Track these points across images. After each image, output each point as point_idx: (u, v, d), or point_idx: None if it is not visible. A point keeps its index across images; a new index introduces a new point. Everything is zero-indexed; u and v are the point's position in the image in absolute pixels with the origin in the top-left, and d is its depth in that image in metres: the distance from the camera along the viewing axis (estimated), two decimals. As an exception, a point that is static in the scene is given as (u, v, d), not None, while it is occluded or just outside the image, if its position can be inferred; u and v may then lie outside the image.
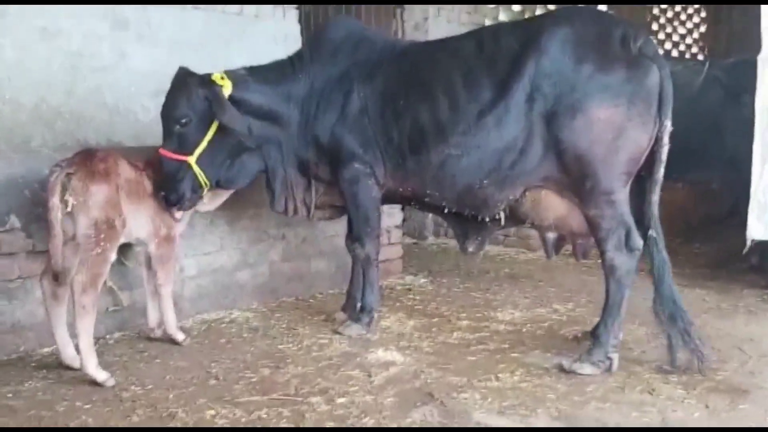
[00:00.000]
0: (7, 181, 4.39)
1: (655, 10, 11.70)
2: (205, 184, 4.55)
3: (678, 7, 12.18)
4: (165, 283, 4.56)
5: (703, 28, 12.80)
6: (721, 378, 4.20)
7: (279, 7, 6.95)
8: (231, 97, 4.54)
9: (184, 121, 4.47)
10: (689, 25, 12.51)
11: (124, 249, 4.57)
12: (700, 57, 12.26)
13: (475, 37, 4.69)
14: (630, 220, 4.27)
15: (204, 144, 4.51)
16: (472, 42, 4.59)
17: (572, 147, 4.17)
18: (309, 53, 4.94)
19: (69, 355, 4.16)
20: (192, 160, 4.49)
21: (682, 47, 12.33)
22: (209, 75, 4.56)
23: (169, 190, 4.46)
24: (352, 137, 4.70)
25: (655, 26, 11.60)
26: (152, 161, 4.53)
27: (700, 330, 4.86)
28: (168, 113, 4.54)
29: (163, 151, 4.50)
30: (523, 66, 4.24)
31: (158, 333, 4.71)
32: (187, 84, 4.51)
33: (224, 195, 4.91)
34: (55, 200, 3.91)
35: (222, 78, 4.54)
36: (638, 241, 4.26)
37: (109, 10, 5.83)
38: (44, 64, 5.55)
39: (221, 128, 4.52)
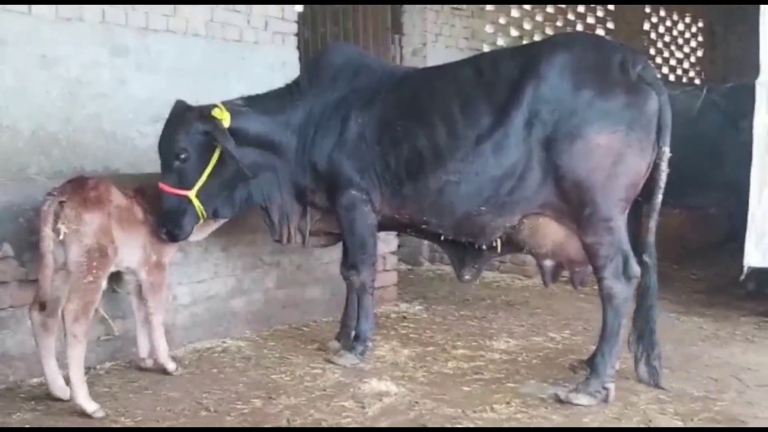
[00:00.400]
0: (2, 209, 4.37)
1: (653, 35, 11.78)
2: (202, 216, 4.55)
3: (675, 32, 12.27)
4: (156, 311, 4.53)
5: (699, 53, 12.89)
6: (718, 408, 4.16)
7: (278, 35, 7.01)
8: (229, 129, 4.53)
9: (183, 156, 4.45)
10: (686, 49, 12.59)
11: (116, 276, 4.55)
12: (697, 81, 12.34)
13: (473, 63, 4.69)
14: (627, 247, 4.25)
15: (204, 178, 4.50)
16: (470, 68, 4.59)
17: (571, 173, 4.16)
18: (307, 79, 4.95)
19: (58, 386, 4.11)
20: (192, 194, 4.47)
21: (679, 72, 12.40)
22: (208, 108, 4.54)
23: (171, 225, 4.44)
24: (350, 163, 4.69)
25: (652, 51, 11.67)
26: (142, 188, 4.53)
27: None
28: (167, 148, 4.51)
29: (163, 186, 4.47)
30: (521, 92, 4.23)
31: (149, 363, 4.66)
32: (185, 118, 4.49)
33: (213, 224, 4.89)
34: (47, 229, 3.90)
35: (220, 111, 4.53)
36: (636, 269, 4.24)
37: (108, 37, 5.88)
38: (43, 91, 5.59)
39: (219, 161, 4.51)
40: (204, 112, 4.51)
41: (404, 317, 6.11)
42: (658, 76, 4.41)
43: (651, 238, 4.34)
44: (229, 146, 4.43)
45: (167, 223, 4.45)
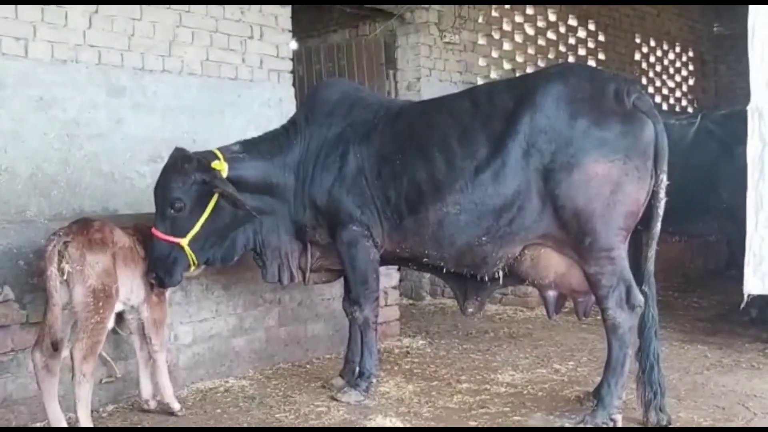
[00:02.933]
0: (2, 252, 4.35)
1: (644, 65, 11.90)
2: (194, 264, 4.52)
3: (666, 62, 12.40)
4: (160, 348, 4.51)
5: (691, 82, 13.01)
6: (727, 437, 4.15)
7: (273, 72, 7.06)
8: (227, 179, 4.51)
9: (178, 205, 4.42)
10: (677, 79, 12.71)
11: (118, 318, 4.51)
12: (690, 110, 12.44)
13: (469, 95, 4.72)
14: (630, 276, 4.23)
15: (197, 228, 4.46)
16: (466, 100, 4.61)
17: (570, 203, 4.15)
18: (304, 115, 4.95)
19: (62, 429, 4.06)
20: (185, 242, 4.43)
21: (671, 101, 12.51)
22: (206, 158, 4.51)
23: (162, 271, 4.41)
24: (350, 198, 4.67)
25: (644, 80, 11.78)
26: (140, 226, 4.54)
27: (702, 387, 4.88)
28: (162, 196, 4.48)
29: (155, 232, 4.44)
30: (518, 123, 4.24)
31: (152, 405, 4.62)
32: (183, 168, 4.46)
33: None
34: (53, 269, 3.91)
35: (219, 162, 4.50)
36: (639, 298, 4.21)
37: (105, 78, 5.92)
38: (40, 133, 5.61)
39: (214, 210, 4.49)
40: (202, 162, 4.48)
41: (407, 352, 6.07)
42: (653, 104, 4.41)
43: (650, 267, 4.32)
44: (229, 189, 4.41)
45: (158, 270, 4.40)
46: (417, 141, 4.60)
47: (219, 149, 4.65)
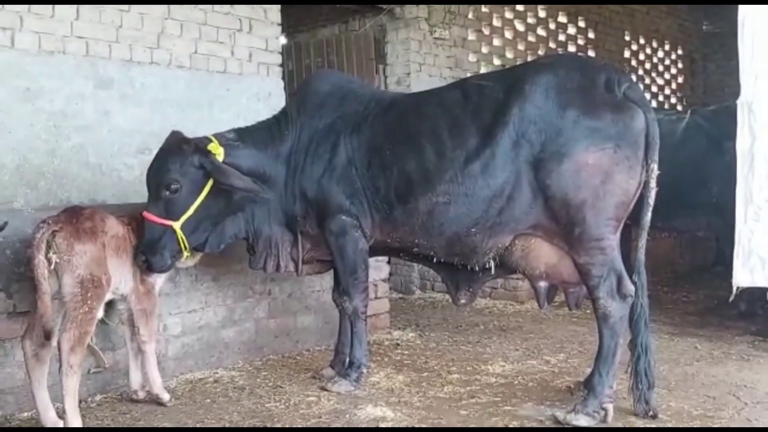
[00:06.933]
0: (-12, 242, 4.30)
1: (633, 62, 11.94)
2: (185, 248, 4.48)
3: (655, 59, 12.44)
4: (149, 339, 4.47)
5: (680, 80, 13.06)
6: (717, 426, 4.13)
7: (263, 66, 7.03)
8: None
9: (174, 187, 4.39)
10: (666, 76, 12.75)
11: (107, 307, 4.47)
12: (679, 107, 12.48)
13: (460, 86, 4.71)
14: (621, 266, 4.22)
15: (191, 211, 4.44)
16: (457, 92, 4.61)
17: (560, 193, 4.14)
18: (295, 106, 4.93)
19: (50, 418, 4.01)
20: (177, 225, 4.40)
21: (661, 98, 12.55)
22: (203, 141, 4.49)
23: (151, 254, 4.37)
24: (340, 189, 4.66)
25: (633, 77, 11.81)
26: (136, 216, 4.49)
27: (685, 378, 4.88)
28: (157, 178, 4.44)
29: (147, 215, 4.40)
30: (507, 113, 4.23)
31: (141, 395, 4.58)
32: (181, 150, 4.43)
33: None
34: (40, 257, 3.85)
35: (215, 145, 4.48)
36: (630, 287, 4.20)
37: (92, 69, 5.87)
38: (27, 124, 5.56)
39: (209, 194, 4.47)
40: (200, 145, 4.46)
41: (398, 344, 6.05)
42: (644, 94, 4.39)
43: (641, 256, 4.31)
44: (227, 181, 4.39)
45: (147, 253, 4.37)
46: (408, 132, 4.59)
47: (214, 135, 4.63)
